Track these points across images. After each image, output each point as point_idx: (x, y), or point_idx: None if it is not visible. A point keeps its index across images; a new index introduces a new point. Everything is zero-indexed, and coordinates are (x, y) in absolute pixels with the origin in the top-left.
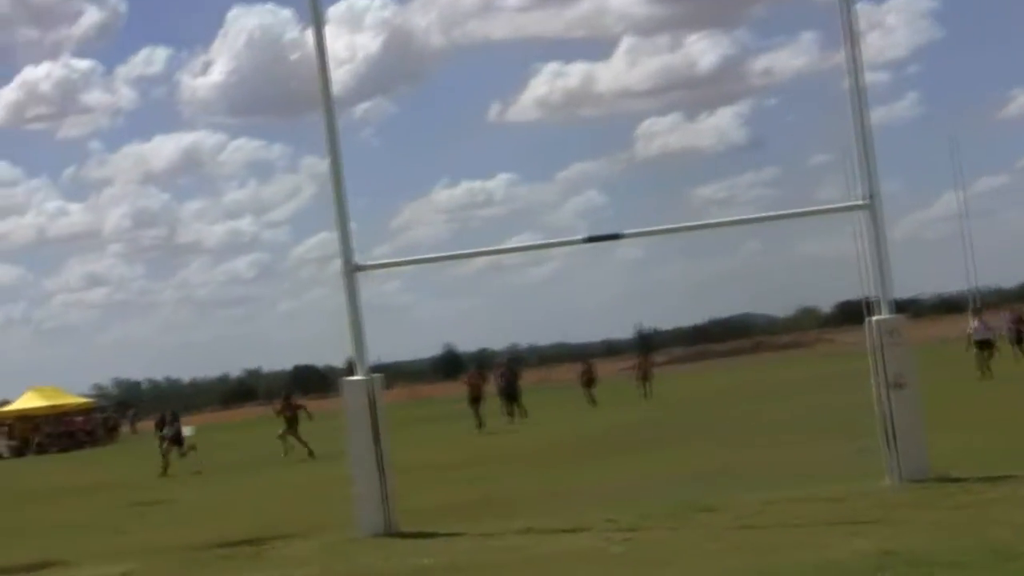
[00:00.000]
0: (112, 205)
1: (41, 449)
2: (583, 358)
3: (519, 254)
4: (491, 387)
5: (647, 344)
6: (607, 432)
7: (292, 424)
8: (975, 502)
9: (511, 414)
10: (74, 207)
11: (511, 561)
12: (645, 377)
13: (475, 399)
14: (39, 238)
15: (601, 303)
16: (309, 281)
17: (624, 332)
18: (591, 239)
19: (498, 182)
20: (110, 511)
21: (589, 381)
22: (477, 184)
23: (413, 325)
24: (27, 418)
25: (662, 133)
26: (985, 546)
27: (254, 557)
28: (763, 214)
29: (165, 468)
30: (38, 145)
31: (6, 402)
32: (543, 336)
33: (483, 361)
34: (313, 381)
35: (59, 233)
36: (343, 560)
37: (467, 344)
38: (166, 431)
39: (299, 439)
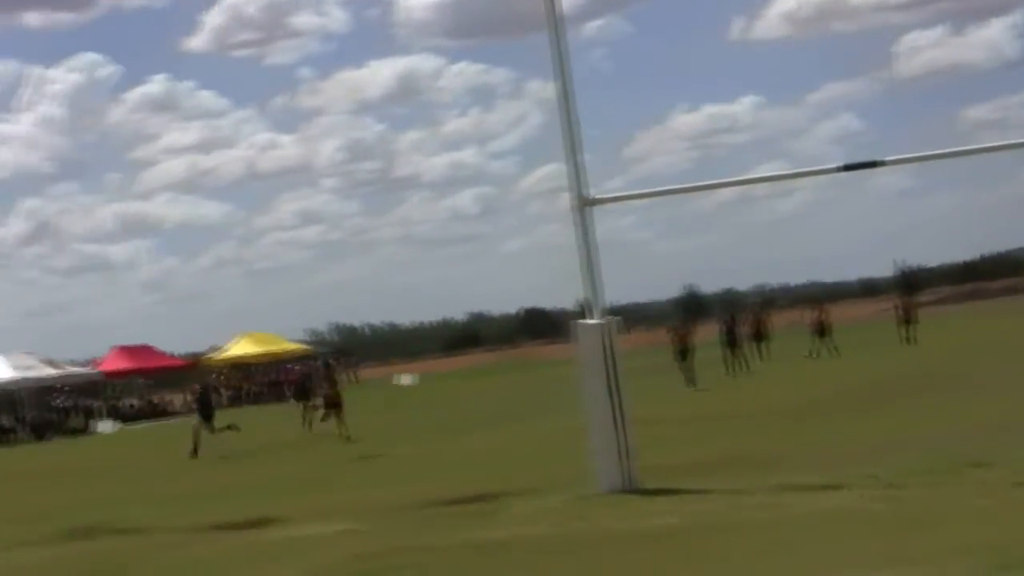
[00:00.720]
0: (324, 137)
1: (255, 399)
2: (813, 301)
3: (766, 185)
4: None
5: (910, 283)
6: (864, 382)
7: None
8: None
9: (732, 367)
10: (284, 139)
11: (763, 520)
12: (907, 320)
13: (682, 352)
14: (248, 173)
15: (857, 238)
16: (537, 217)
17: (883, 270)
18: (847, 167)
19: (742, 106)
20: (330, 465)
21: (821, 330)
22: (719, 109)
23: (651, 263)
24: (240, 366)
25: (925, 48)
26: None
27: (484, 515)
28: None
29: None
30: (245, 73)
31: (218, 349)
32: (793, 275)
33: (730, 302)
34: (543, 325)
35: (269, 167)
36: (580, 519)
37: (710, 284)
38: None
39: None
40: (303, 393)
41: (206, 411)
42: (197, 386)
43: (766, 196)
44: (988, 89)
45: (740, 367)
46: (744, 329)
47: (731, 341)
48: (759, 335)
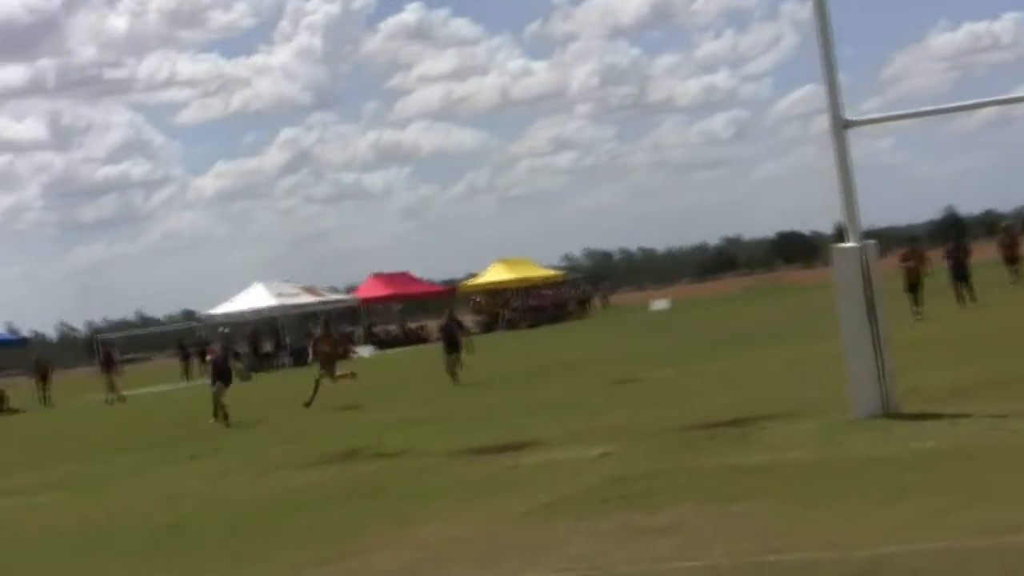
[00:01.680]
0: (578, 62)
1: (510, 324)
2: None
3: None
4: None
5: None
6: None
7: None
8: None
9: (961, 298)
10: (538, 65)
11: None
12: None
13: (912, 285)
14: (502, 100)
15: None
16: (792, 140)
17: None
18: None
19: (1006, 22)
20: (586, 389)
21: (1012, 257)
22: (981, 26)
23: (909, 186)
24: (495, 292)
25: None
26: None
27: (739, 439)
28: None
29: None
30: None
31: (473, 275)
32: None
33: (990, 224)
34: (798, 249)
35: (523, 94)
36: (837, 443)
37: (970, 206)
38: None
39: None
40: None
41: (452, 344)
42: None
43: None
44: None
45: (968, 298)
46: (997, 252)
47: (958, 273)
48: (1012, 258)
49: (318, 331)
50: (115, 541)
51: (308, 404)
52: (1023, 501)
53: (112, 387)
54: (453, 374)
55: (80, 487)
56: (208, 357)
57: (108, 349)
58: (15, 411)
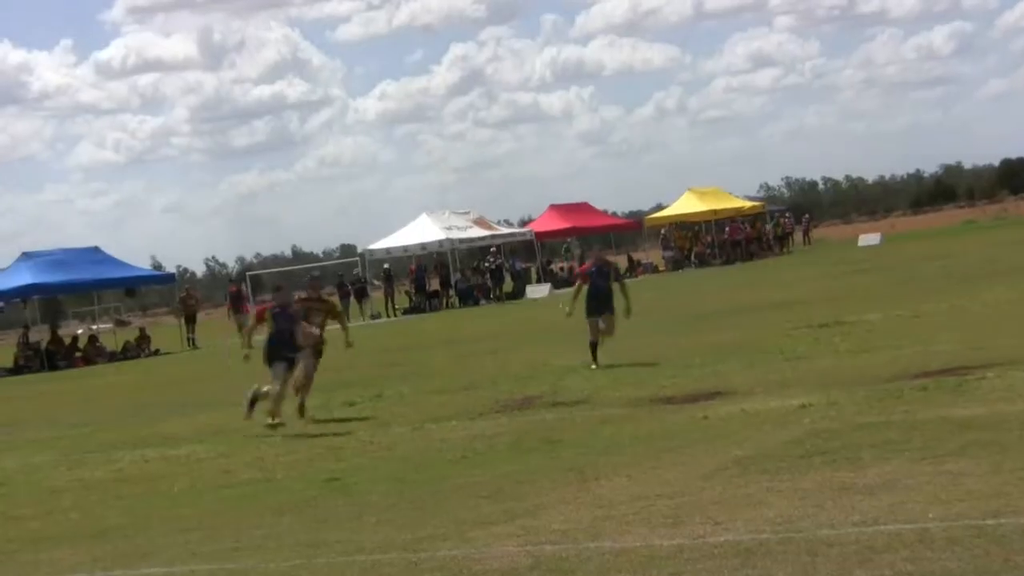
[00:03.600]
0: None
1: (702, 261)
2: None
3: None
4: None
5: None
6: None
7: None
8: None
9: None
10: None
11: None
12: None
13: None
14: (696, 12)
15: None
16: (1022, 55)
17: None
18: None
19: None
20: (785, 333)
21: None
22: None
23: None
24: (685, 225)
25: None
26: None
27: (956, 389)
28: None
29: None
30: None
31: (660, 207)
32: None
33: None
34: None
35: (719, 5)
36: None
37: None
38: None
39: None
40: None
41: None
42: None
43: None
44: None
45: None
46: None
47: None
48: None
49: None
50: (271, 495)
51: None
52: None
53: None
54: (593, 349)
55: (228, 438)
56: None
57: (238, 287)
58: (159, 353)
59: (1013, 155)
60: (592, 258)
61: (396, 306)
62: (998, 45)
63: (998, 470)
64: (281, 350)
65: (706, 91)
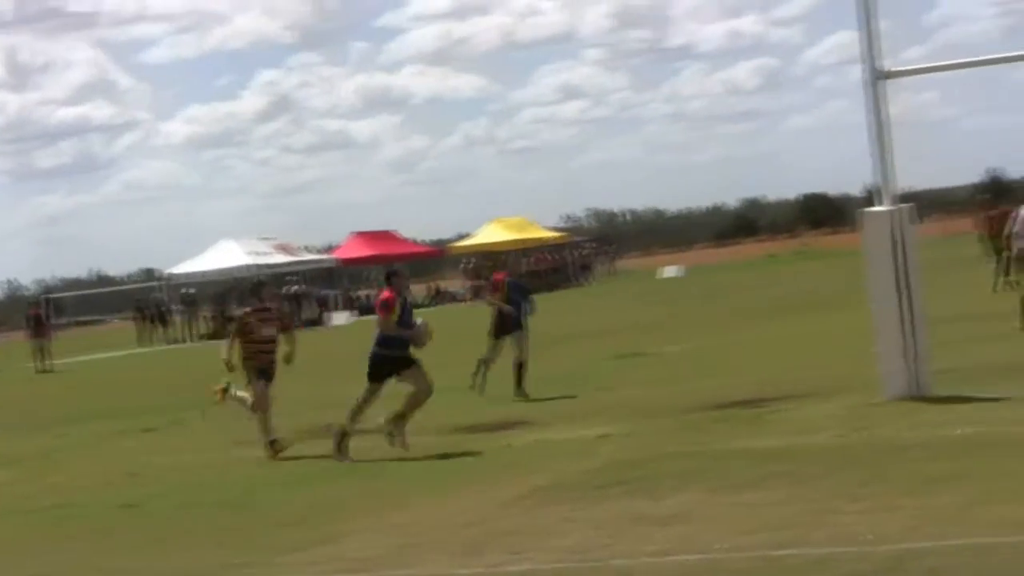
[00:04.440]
0: (590, 1)
1: None
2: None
3: None
4: None
5: None
6: None
7: None
8: None
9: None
10: (546, 5)
11: None
12: None
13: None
14: (505, 42)
15: None
16: (824, 92)
17: None
18: None
19: None
20: (586, 364)
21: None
22: None
23: (953, 145)
24: (489, 254)
25: None
26: None
27: (754, 421)
28: None
29: None
30: None
31: (465, 236)
32: None
33: None
34: (825, 212)
35: (528, 36)
36: (860, 428)
37: (1019, 168)
38: None
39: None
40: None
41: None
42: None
43: None
44: None
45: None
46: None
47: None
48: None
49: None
50: (71, 521)
51: None
52: None
53: (42, 354)
54: (480, 371)
55: (27, 463)
56: None
57: (37, 310)
58: None
59: (815, 190)
60: (508, 268)
61: (198, 331)
62: (801, 82)
63: (795, 502)
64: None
65: (514, 121)
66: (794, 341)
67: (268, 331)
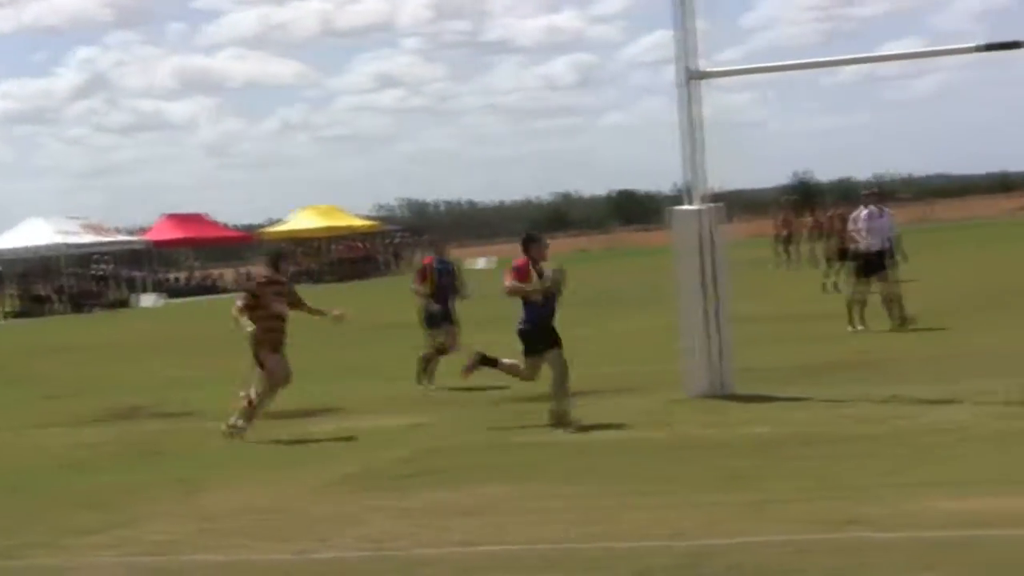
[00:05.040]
0: None
1: (315, 277)
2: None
3: (898, 64)
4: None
5: None
6: (994, 290)
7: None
8: None
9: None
10: None
11: (863, 435)
12: None
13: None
14: (324, 29)
15: (997, 126)
16: (640, 90)
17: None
18: (987, 47)
19: None
20: (398, 353)
21: (788, 236)
22: None
23: (765, 146)
24: (300, 241)
25: None
26: None
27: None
28: None
29: None
30: None
31: (278, 222)
32: (921, 165)
33: (845, 192)
34: (637, 209)
35: (347, 24)
36: (665, 424)
37: (827, 172)
38: None
39: None
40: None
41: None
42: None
43: (899, 76)
44: None
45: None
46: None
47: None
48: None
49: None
50: None
51: None
52: (856, 493)
53: None
54: (426, 364)
55: None
56: None
57: None
58: None
59: (629, 186)
60: (435, 250)
61: (5, 309)
62: (618, 79)
63: (599, 495)
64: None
65: (331, 108)
66: (602, 337)
67: (279, 306)
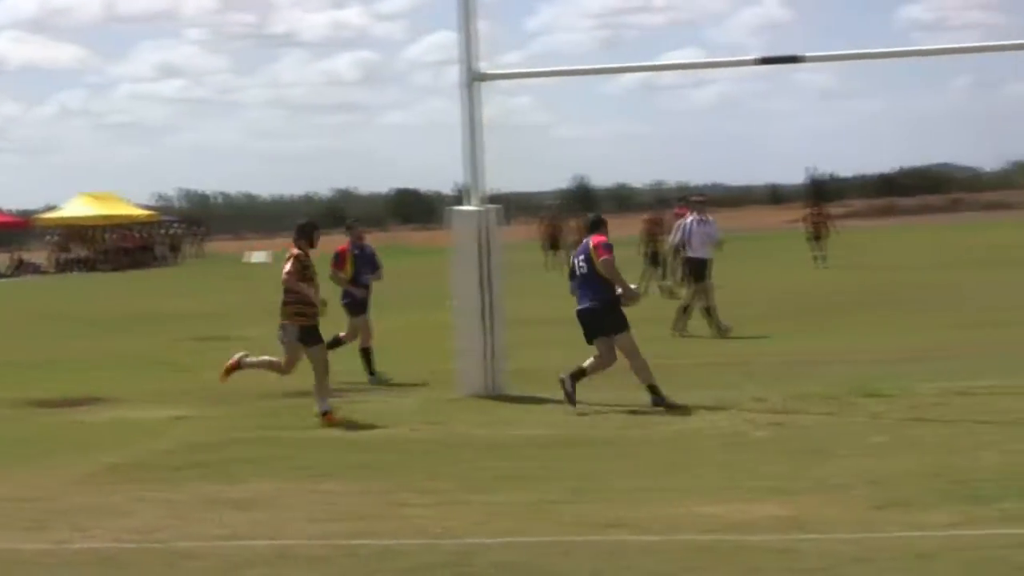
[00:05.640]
0: None
1: (89, 265)
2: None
3: (677, 73)
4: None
5: (820, 194)
6: (768, 300)
7: None
8: None
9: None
10: None
11: (634, 439)
12: (817, 236)
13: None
14: (107, 15)
15: (771, 139)
16: (423, 89)
17: (795, 176)
18: (765, 60)
19: None
20: (168, 345)
21: (554, 243)
22: None
23: (544, 151)
24: (76, 228)
25: None
26: None
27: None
28: (979, 44)
29: None
30: None
31: (54, 208)
32: (696, 174)
33: (623, 199)
34: (416, 209)
35: (131, 10)
36: (436, 423)
37: (605, 177)
38: None
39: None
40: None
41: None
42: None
43: (678, 86)
44: None
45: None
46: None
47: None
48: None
49: None
50: None
51: None
52: (620, 496)
53: None
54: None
55: None
56: None
57: None
58: None
59: (410, 185)
60: (351, 236)
61: None
62: (401, 77)
63: (364, 492)
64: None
65: (111, 95)
66: (379, 334)
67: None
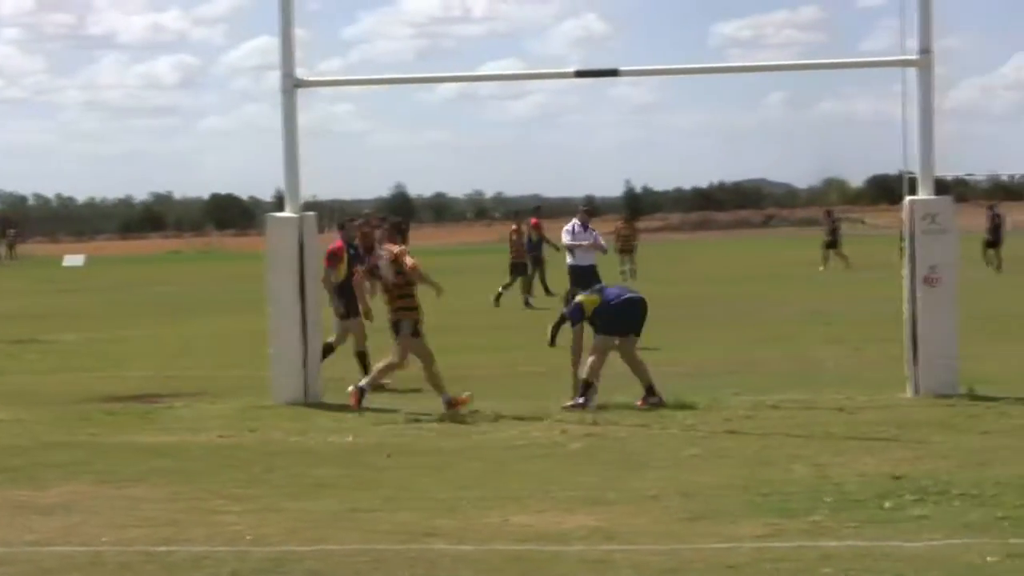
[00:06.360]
0: None
1: None
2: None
3: (496, 84)
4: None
5: (634, 207)
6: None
7: None
8: (1008, 428)
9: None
10: None
11: (447, 448)
12: (626, 249)
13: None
14: None
15: (589, 151)
16: (241, 95)
17: (612, 189)
18: (583, 73)
19: None
20: None
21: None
22: None
23: (363, 159)
24: None
25: None
26: (1011, 478)
27: (143, 416)
28: (794, 62)
29: None
30: None
31: None
32: (514, 185)
33: (440, 208)
34: (234, 214)
35: None
36: (251, 429)
37: (423, 187)
38: None
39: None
40: None
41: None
42: None
43: (496, 96)
44: (743, 4)
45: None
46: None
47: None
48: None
49: None
50: None
51: None
52: (435, 505)
53: None
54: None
55: None
56: None
57: None
58: None
59: (227, 191)
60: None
61: None
62: (220, 82)
63: (176, 498)
64: None
65: None
66: (192, 339)
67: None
